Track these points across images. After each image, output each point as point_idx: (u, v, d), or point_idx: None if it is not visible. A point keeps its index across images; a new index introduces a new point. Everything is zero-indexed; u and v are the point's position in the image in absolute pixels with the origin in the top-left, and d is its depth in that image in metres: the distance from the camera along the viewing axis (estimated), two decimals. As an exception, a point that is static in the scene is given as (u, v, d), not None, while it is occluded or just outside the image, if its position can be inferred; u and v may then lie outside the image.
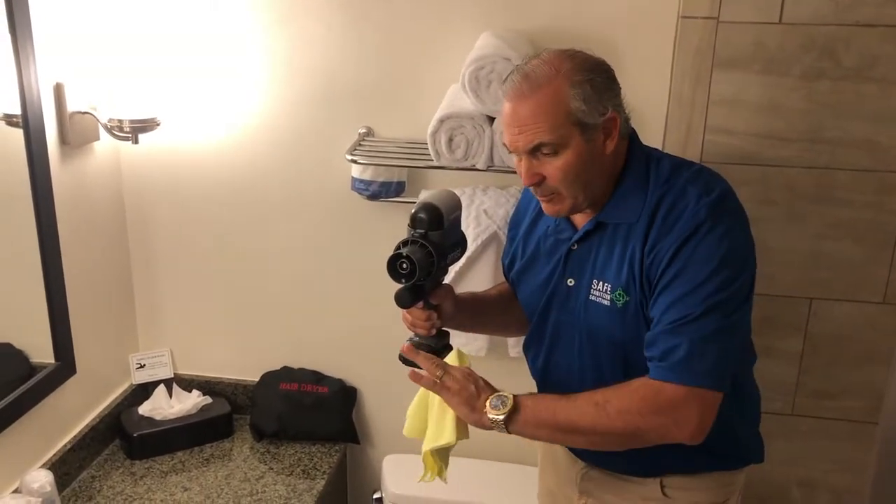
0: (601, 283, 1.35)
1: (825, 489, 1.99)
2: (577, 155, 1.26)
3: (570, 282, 1.40)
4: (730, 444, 1.41)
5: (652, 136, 1.77)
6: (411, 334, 1.44)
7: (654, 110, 1.77)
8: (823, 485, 1.99)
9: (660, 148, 1.76)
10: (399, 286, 1.33)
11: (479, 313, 1.57)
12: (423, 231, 1.32)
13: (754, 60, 1.71)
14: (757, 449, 1.49)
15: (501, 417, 1.27)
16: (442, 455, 1.38)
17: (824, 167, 1.75)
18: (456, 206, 1.38)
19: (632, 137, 1.38)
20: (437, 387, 1.31)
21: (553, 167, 1.27)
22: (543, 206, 1.37)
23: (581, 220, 1.40)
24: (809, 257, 1.81)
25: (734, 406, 1.36)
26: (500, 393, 1.30)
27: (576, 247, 1.39)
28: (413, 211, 1.33)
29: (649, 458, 1.39)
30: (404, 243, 1.32)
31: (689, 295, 1.23)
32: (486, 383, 1.33)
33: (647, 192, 1.32)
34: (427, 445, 1.37)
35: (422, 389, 1.41)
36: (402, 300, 1.35)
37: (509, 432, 1.29)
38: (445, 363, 1.34)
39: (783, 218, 1.80)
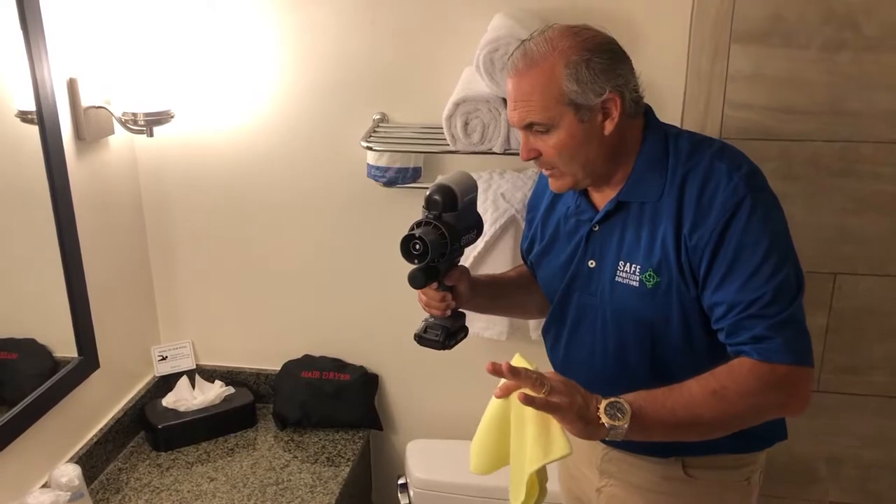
0: (629, 264, 1.33)
1: (852, 465, 1.98)
2: (570, 135, 1.26)
3: (592, 263, 1.38)
4: (752, 427, 1.38)
5: (670, 112, 1.75)
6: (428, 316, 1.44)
7: (671, 86, 1.74)
8: (851, 460, 1.97)
9: (678, 124, 1.75)
10: (412, 267, 1.34)
11: (497, 296, 1.56)
12: (437, 212, 1.33)
13: (773, 33, 1.68)
14: (780, 428, 1.48)
15: (625, 425, 1.16)
16: (540, 474, 1.23)
17: (847, 140, 1.73)
18: (471, 187, 1.38)
19: (648, 114, 1.36)
20: (547, 406, 1.15)
21: (547, 144, 1.28)
22: (549, 181, 1.37)
23: (601, 200, 1.38)
24: (833, 232, 1.79)
25: None
26: (610, 399, 1.18)
27: (597, 228, 1.37)
28: (428, 192, 1.34)
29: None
30: (418, 224, 1.33)
31: (753, 278, 1.22)
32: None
33: (667, 169, 1.30)
34: (532, 466, 1.18)
35: (486, 417, 1.30)
36: (416, 281, 1.36)
37: (625, 439, 1.18)
38: (543, 375, 1.19)
39: (806, 193, 1.77)
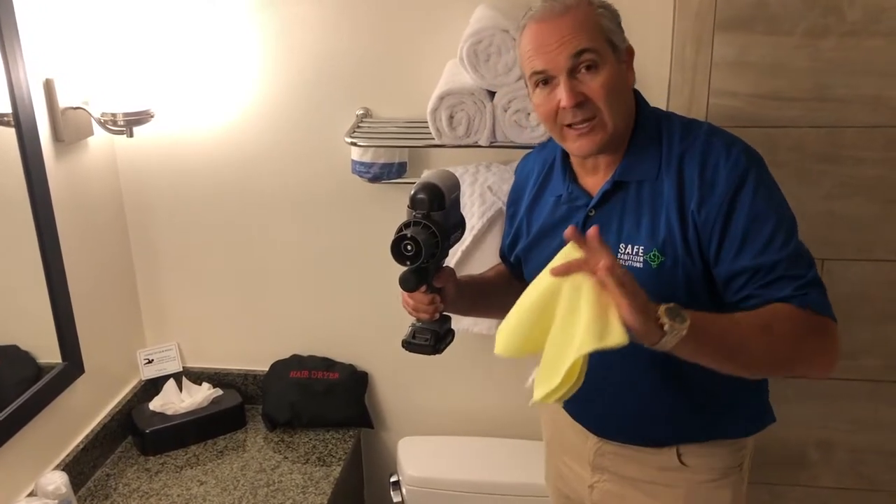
0: (630, 246, 1.32)
1: (844, 449, 1.98)
2: (615, 72, 1.28)
3: None
4: (745, 410, 1.41)
5: (655, 100, 1.70)
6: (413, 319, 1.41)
7: (656, 75, 1.74)
8: (842, 445, 1.98)
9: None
10: (403, 269, 1.31)
11: (480, 296, 1.54)
12: (424, 211, 1.30)
13: (756, 20, 1.67)
14: (768, 410, 1.48)
15: (684, 331, 1.09)
16: (582, 364, 1.11)
17: (832, 125, 1.73)
18: (455, 185, 1.35)
19: (638, 95, 1.37)
20: (622, 286, 1.06)
21: (596, 84, 1.26)
22: (576, 143, 1.31)
23: (594, 184, 1.38)
24: (820, 217, 1.79)
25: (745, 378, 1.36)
26: (670, 304, 1.10)
27: (593, 213, 1.37)
28: (413, 192, 1.31)
29: (667, 428, 1.40)
30: (406, 225, 1.30)
31: (771, 244, 1.24)
32: None
33: (662, 146, 1.32)
34: (584, 349, 1.07)
35: (529, 297, 1.18)
36: (408, 283, 1.32)
37: (671, 350, 1.11)
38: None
39: (792, 179, 1.77)
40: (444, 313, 1.43)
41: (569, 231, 1.12)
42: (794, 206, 1.76)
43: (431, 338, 1.39)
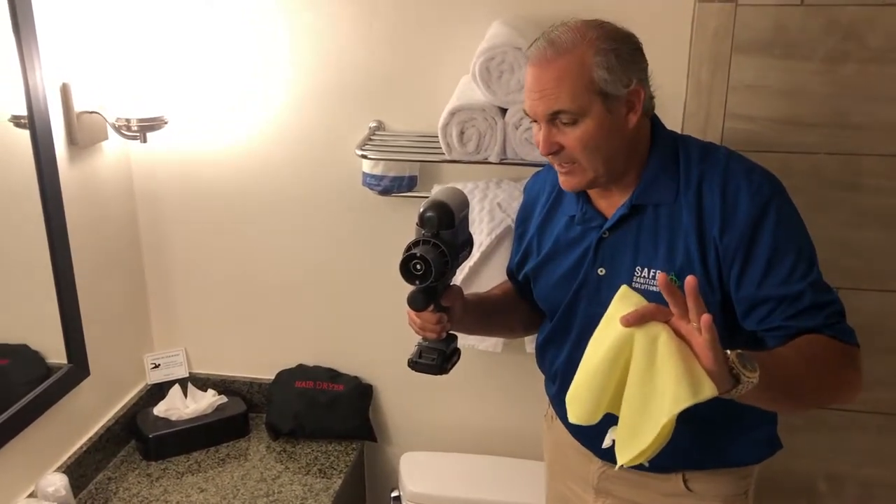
0: (647, 269, 1.31)
1: (854, 482, 1.94)
2: (598, 125, 1.24)
3: (601, 271, 1.36)
4: (752, 438, 1.39)
5: (670, 123, 1.69)
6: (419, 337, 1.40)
7: (672, 97, 1.72)
8: (853, 478, 1.94)
9: (678, 136, 1.73)
10: (412, 288, 1.29)
11: (486, 314, 1.53)
12: (434, 230, 1.28)
13: (775, 44, 1.65)
14: (775, 438, 1.45)
15: (755, 379, 1.04)
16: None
17: (850, 153, 1.70)
18: (464, 203, 1.34)
19: (654, 119, 1.35)
20: (713, 336, 1.01)
21: (572, 137, 1.25)
22: (561, 179, 1.32)
23: (608, 206, 1.36)
24: (835, 246, 1.76)
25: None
26: (736, 351, 1.05)
27: (607, 234, 1.35)
28: (421, 210, 1.29)
29: (674, 454, 1.35)
30: (415, 243, 1.28)
31: (795, 272, 1.23)
32: None
33: (679, 170, 1.30)
34: (678, 406, 1.00)
35: (598, 353, 1.12)
36: (416, 302, 1.31)
37: (738, 398, 1.07)
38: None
39: (807, 206, 1.71)
40: (451, 332, 1.41)
41: (661, 279, 1.04)
42: (810, 233, 1.74)
43: (438, 357, 1.38)
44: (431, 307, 1.34)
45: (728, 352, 1.05)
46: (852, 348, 1.23)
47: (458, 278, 1.74)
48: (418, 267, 1.26)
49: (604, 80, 1.21)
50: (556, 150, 1.27)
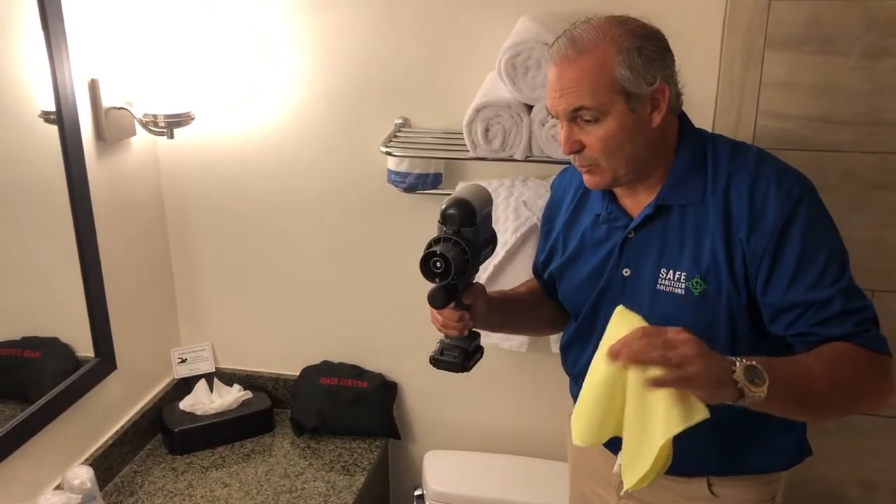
0: (672, 272, 1.28)
1: (888, 490, 1.90)
2: (620, 125, 1.21)
3: (626, 272, 1.34)
4: (778, 444, 1.36)
5: (701, 120, 1.67)
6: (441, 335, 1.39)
7: (702, 93, 1.68)
8: (886, 485, 1.89)
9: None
10: (432, 286, 1.28)
11: (510, 312, 1.51)
12: (455, 228, 1.27)
13: (809, 40, 1.61)
14: (804, 444, 1.42)
15: (763, 393, 1.05)
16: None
17: (887, 151, 1.65)
18: (487, 201, 1.33)
19: (683, 116, 1.32)
20: (682, 381, 1.03)
21: (593, 136, 1.23)
22: (584, 177, 1.31)
23: (634, 206, 1.33)
24: (870, 247, 1.71)
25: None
26: (745, 362, 1.06)
27: (633, 234, 1.32)
28: (443, 207, 1.28)
29: (698, 459, 1.34)
30: (436, 241, 1.27)
31: (823, 278, 1.20)
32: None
33: (707, 170, 1.27)
34: (671, 430, 1.03)
35: (595, 380, 1.13)
36: (436, 300, 1.30)
37: (749, 406, 1.07)
38: (670, 340, 1.04)
39: (841, 206, 1.67)
40: (473, 330, 1.40)
41: (609, 355, 1.06)
42: (844, 234, 1.69)
43: (459, 355, 1.37)
44: (453, 304, 1.33)
45: (737, 363, 1.05)
46: (882, 357, 1.20)
47: (483, 277, 1.73)
48: (438, 265, 1.25)
49: (626, 78, 1.19)
50: (577, 149, 1.25)
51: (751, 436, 1.34)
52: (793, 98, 1.65)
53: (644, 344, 1.04)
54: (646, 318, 1.26)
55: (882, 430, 1.84)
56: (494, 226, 1.40)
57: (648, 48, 1.20)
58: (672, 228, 1.29)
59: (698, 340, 1.05)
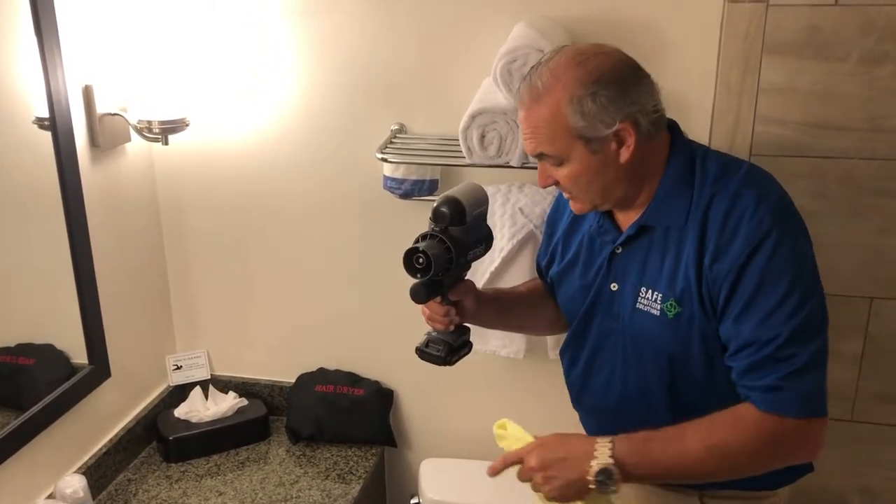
0: (651, 291, 1.27)
1: (888, 499, 1.88)
2: (584, 166, 1.22)
3: (614, 286, 1.33)
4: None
5: (698, 126, 1.68)
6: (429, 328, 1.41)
7: (700, 99, 1.68)
8: (887, 494, 1.88)
9: (706, 140, 1.69)
10: (415, 280, 1.30)
11: (505, 311, 1.52)
12: (443, 226, 1.29)
13: (808, 45, 1.60)
14: (798, 469, 1.39)
15: (616, 491, 1.18)
16: None
17: (885, 158, 1.64)
18: (481, 201, 1.33)
19: (674, 131, 1.29)
20: (552, 499, 1.22)
21: (561, 174, 1.25)
22: (570, 202, 1.33)
23: (625, 220, 1.32)
24: (870, 254, 1.70)
25: None
26: (603, 466, 1.16)
27: (620, 250, 1.32)
28: (435, 204, 1.29)
29: None
30: (423, 237, 1.29)
31: (772, 316, 1.17)
32: (565, 442, 1.24)
33: (693, 191, 1.24)
34: None
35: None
36: (417, 295, 1.32)
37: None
38: (530, 454, 1.23)
39: (841, 212, 1.69)
40: (465, 325, 1.42)
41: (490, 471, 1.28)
42: (842, 241, 1.70)
43: (443, 349, 1.39)
44: (439, 300, 1.35)
45: (591, 466, 1.17)
46: (790, 422, 1.16)
47: (479, 283, 1.71)
48: (420, 261, 1.26)
49: (580, 126, 1.18)
50: (551, 183, 1.27)
51: None
52: (791, 104, 1.64)
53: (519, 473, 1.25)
54: (628, 334, 1.31)
55: (882, 439, 1.83)
56: (490, 227, 1.40)
57: (603, 94, 1.17)
58: (655, 248, 1.28)
59: (547, 464, 1.21)
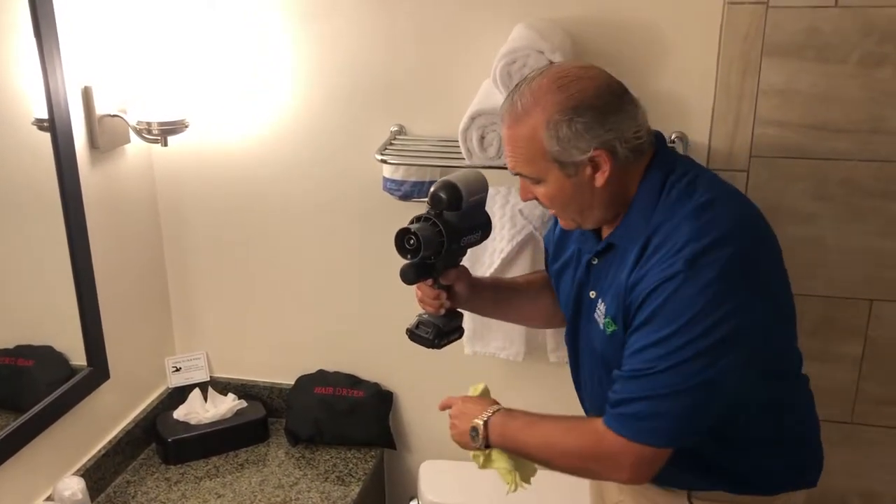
0: (602, 305, 1.30)
1: (889, 500, 1.88)
2: (559, 188, 1.23)
3: (592, 294, 1.35)
4: (759, 474, 1.33)
5: (698, 128, 1.69)
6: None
7: (699, 101, 1.68)
8: (888, 497, 1.87)
9: (706, 142, 1.68)
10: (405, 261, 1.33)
11: (502, 300, 1.54)
12: (438, 210, 1.31)
13: (807, 47, 1.60)
14: (799, 476, 1.38)
15: (479, 446, 1.35)
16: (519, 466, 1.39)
17: (885, 160, 1.64)
18: (480, 188, 1.35)
19: (658, 146, 1.27)
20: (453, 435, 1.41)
21: (539, 193, 1.28)
22: None
23: (606, 232, 1.33)
24: (870, 256, 1.70)
25: (764, 437, 1.31)
26: (474, 424, 1.34)
27: (595, 261, 1.34)
28: (433, 188, 1.32)
29: (673, 473, 1.33)
30: (417, 219, 1.32)
31: (654, 346, 1.16)
32: (479, 404, 1.38)
33: (652, 216, 1.23)
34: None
35: None
36: (406, 276, 1.35)
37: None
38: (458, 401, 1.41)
39: (840, 215, 1.69)
40: (458, 311, 1.45)
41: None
42: (841, 243, 1.70)
43: (432, 332, 1.42)
44: (430, 282, 1.38)
45: (469, 425, 1.34)
46: (620, 441, 1.19)
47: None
48: (411, 241, 1.29)
49: (556, 150, 1.19)
50: (531, 198, 1.30)
51: (736, 455, 1.32)
52: (791, 106, 1.64)
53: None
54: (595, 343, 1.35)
55: (884, 441, 1.83)
56: (491, 234, 1.42)
57: (579, 120, 1.17)
58: (615, 265, 1.28)
59: (455, 413, 1.39)
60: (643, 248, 1.21)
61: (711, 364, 1.14)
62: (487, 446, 1.34)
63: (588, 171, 1.20)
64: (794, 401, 1.37)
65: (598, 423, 1.23)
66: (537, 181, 1.25)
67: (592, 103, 1.18)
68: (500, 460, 1.36)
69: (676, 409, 1.17)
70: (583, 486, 1.64)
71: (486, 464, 1.38)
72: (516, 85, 1.25)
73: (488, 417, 1.33)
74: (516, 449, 1.33)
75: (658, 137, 1.28)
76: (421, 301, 1.43)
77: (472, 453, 1.38)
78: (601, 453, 1.23)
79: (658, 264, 1.17)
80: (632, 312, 1.21)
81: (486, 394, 1.44)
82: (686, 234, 1.17)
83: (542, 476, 1.91)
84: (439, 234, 1.30)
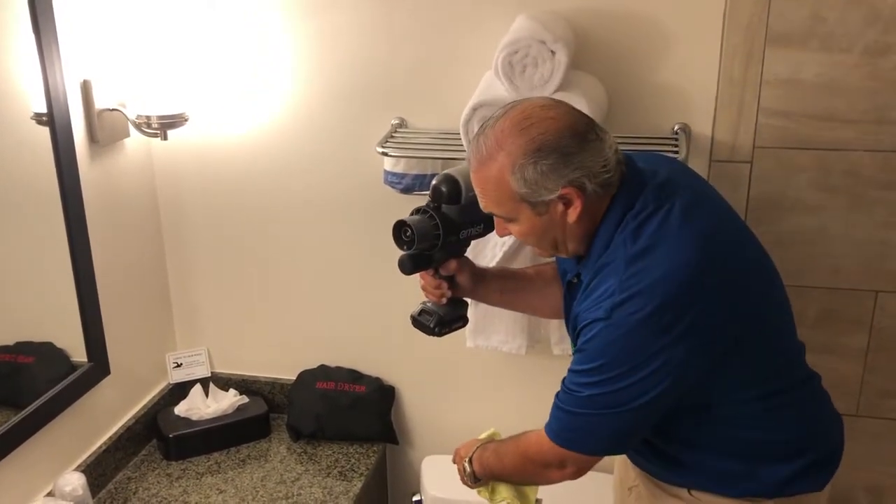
0: (567, 326, 1.36)
1: (895, 494, 1.86)
2: (531, 226, 1.24)
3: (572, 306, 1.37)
4: (764, 475, 1.32)
5: (701, 119, 1.67)
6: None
7: (702, 91, 1.66)
8: (893, 490, 1.87)
9: (709, 133, 1.67)
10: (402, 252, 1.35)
11: (508, 291, 1.54)
12: (437, 203, 1.32)
13: (812, 36, 1.59)
14: (803, 481, 1.37)
15: (471, 482, 1.46)
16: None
17: (891, 150, 1.62)
18: None
19: (624, 181, 1.24)
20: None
21: (513, 230, 1.28)
22: None
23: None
24: (875, 247, 1.69)
25: (747, 444, 1.30)
26: (464, 464, 1.45)
27: (576, 280, 1.34)
28: (434, 181, 1.32)
29: (675, 471, 1.36)
30: (416, 211, 1.33)
31: (579, 374, 1.23)
32: (470, 446, 1.48)
33: (603, 254, 1.24)
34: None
35: None
36: (403, 266, 1.37)
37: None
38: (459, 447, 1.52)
39: (845, 206, 1.67)
40: (462, 300, 1.47)
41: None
42: (846, 234, 1.69)
43: (434, 320, 1.44)
44: (432, 272, 1.41)
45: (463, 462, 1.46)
46: (555, 447, 1.28)
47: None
48: (408, 233, 1.31)
49: (524, 192, 1.19)
50: (508, 234, 1.30)
51: (734, 458, 1.31)
52: (795, 96, 1.63)
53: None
54: None
55: (889, 434, 1.81)
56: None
57: (543, 163, 1.16)
58: (580, 289, 1.30)
59: (455, 457, 1.50)
60: (588, 283, 1.25)
61: (623, 403, 1.20)
62: (477, 480, 1.44)
63: (560, 207, 1.20)
64: (790, 406, 1.34)
65: (540, 432, 1.31)
66: (509, 220, 1.25)
67: (556, 144, 1.16)
68: (503, 491, 1.44)
69: (594, 428, 1.25)
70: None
71: (493, 497, 1.45)
72: (481, 126, 1.23)
73: (471, 455, 1.44)
74: (499, 477, 1.43)
75: (629, 163, 1.25)
76: (423, 289, 1.45)
77: (476, 490, 1.47)
78: (545, 459, 1.31)
79: (591, 304, 1.22)
80: (575, 336, 1.29)
81: (494, 437, 1.50)
82: (614, 282, 1.18)
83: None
84: (435, 227, 1.31)
